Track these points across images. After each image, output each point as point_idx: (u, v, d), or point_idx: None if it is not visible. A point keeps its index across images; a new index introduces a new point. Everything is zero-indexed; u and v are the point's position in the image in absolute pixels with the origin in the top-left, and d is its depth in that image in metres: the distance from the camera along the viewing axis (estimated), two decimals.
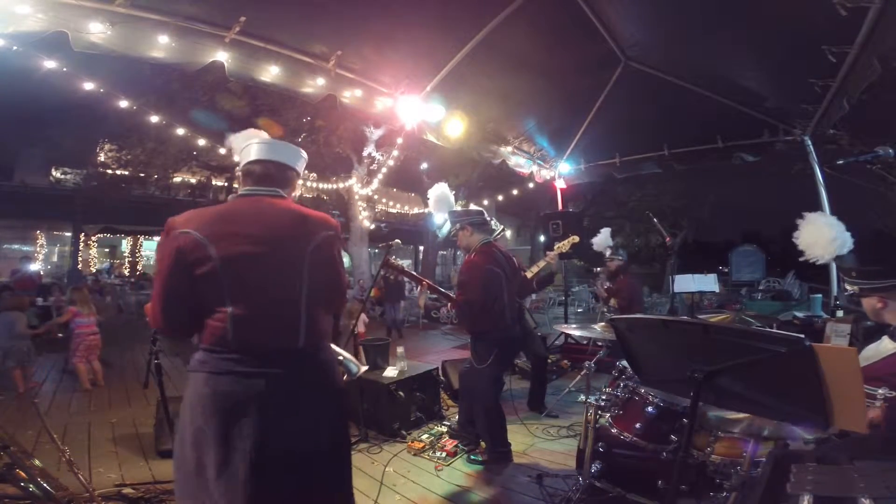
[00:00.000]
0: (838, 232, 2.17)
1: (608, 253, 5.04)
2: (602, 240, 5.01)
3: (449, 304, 3.26)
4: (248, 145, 1.61)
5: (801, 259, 2.31)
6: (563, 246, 4.27)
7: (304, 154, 1.72)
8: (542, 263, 4.20)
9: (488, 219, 3.39)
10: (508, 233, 24.03)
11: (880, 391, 1.57)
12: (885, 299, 1.76)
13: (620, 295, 4.89)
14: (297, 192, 1.72)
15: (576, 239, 4.39)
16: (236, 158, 1.68)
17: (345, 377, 1.73)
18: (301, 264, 1.48)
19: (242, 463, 1.31)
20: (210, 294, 1.39)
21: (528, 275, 4.05)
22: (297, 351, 1.45)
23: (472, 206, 5.03)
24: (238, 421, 1.33)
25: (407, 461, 3.21)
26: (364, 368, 1.82)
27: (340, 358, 1.75)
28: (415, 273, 3.63)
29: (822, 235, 2.20)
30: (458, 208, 3.67)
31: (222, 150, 7.42)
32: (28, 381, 4.86)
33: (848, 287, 1.94)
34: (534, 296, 4.39)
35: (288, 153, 1.65)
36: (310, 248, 1.50)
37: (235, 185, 1.64)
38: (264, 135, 1.74)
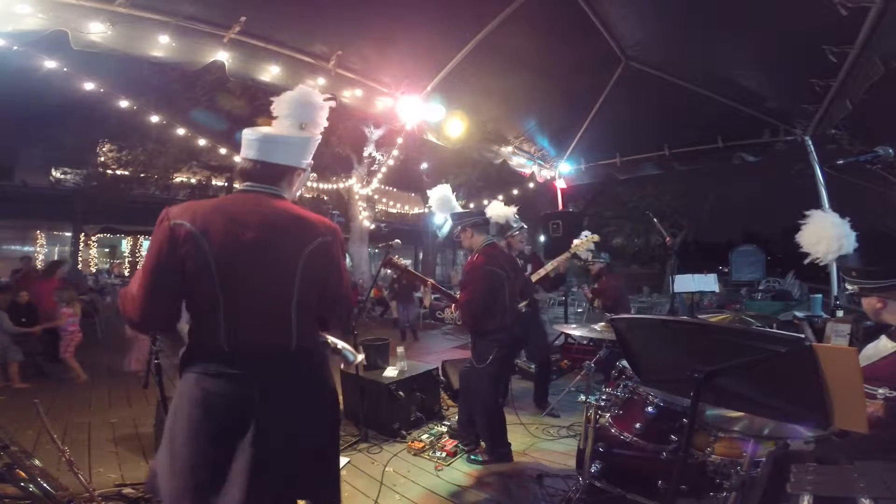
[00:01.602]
0: (842, 231, 2.12)
1: (590, 257, 5.07)
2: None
3: (453, 306, 3.26)
4: (248, 138, 1.53)
5: (805, 262, 2.27)
6: (583, 244, 4.27)
7: (313, 143, 1.63)
8: (560, 259, 4.24)
9: (489, 217, 3.41)
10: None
11: (880, 391, 1.57)
12: (884, 299, 1.76)
13: (605, 295, 5.01)
14: (298, 191, 1.66)
15: (596, 238, 4.40)
16: (280, 116, 1.62)
17: (342, 365, 1.74)
18: (295, 266, 1.44)
19: (237, 464, 1.30)
20: (201, 290, 1.36)
21: (543, 272, 4.10)
22: (288, 353, 1.44)
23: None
24: (231, 422, 1.33)
25: (407, 461, 3.21)
26: (361, 357, 1.83)
27: (338, 347, 1.74)
28: (417, 273, 3.64)
29: (825, 234, 2.15)
30: (460, 209, 3.67)
31: (222, 150, 7.42)
32: (12, 380, 4.93)
33: (848, 286, 1.93)
34: (536, 296, 4.40)
35: (288, 153, 1.55)
36: (306, 251, 1.46)
37: (236, 185, 1.59)
38: (267, 129, 1.60)
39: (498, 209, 4.11)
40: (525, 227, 4.12)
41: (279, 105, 1.63)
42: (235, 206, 1.45)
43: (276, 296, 1.43)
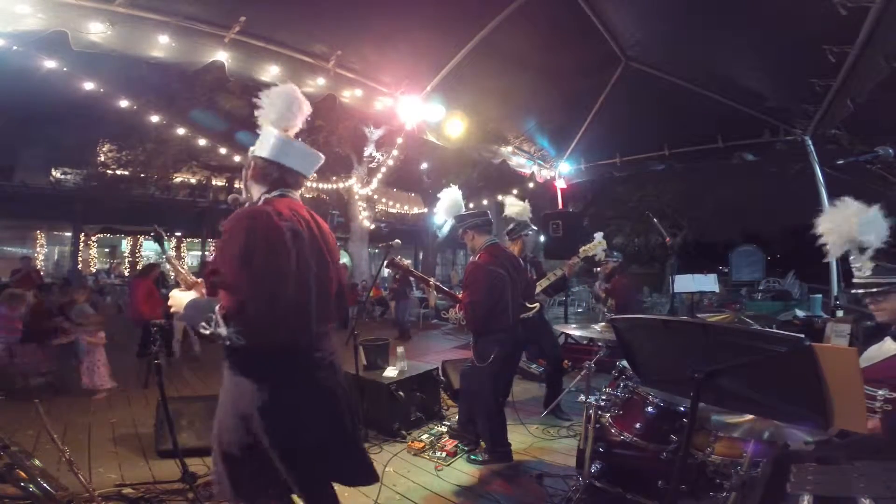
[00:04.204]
0: (864, 220, 1.82)
1: (602, 256, 5.07)
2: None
3: (457, 306, 3.25)
4: (291, 147, 1.64)
5: (821, 244, 1.96)
6: (590, 249, 4.31)
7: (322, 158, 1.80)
8: (570, 264, 4.27)
9: (489, 219, 3.40)
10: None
11: (880, 392, 1.57)
12: None
13: (617, 294, 4.98)
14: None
15: (603, 243, 4.43)
16: (266, 119, 1.64)
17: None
18: (336, 267, 1.73)
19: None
20: (300, 288, 1.48)
21: (553, 278, 4.17)
22: (330, 338, 1.71)
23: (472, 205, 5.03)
24: (331, 400, 1.61)
25: (407, 461, 3.21)
26: None
27: None
28: (419, 273, 3.63)
29: (846, 222, 1.86)
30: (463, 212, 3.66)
31: (222, 150, 7.42)
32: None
33: (872, 290, 1.79)
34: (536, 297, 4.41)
35: (314, 166, 1.75)
36: (337, 250, 1.76)
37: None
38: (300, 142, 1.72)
39: (515, 205, 4.09)
40: (535, 229, 4.11)
41: (268, 101, 1.65)
42: (298, 210, 1.60)
43: (329, 293, 1.68)
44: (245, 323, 1.34)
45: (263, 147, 1.59)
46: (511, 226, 4.05)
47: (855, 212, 1.86)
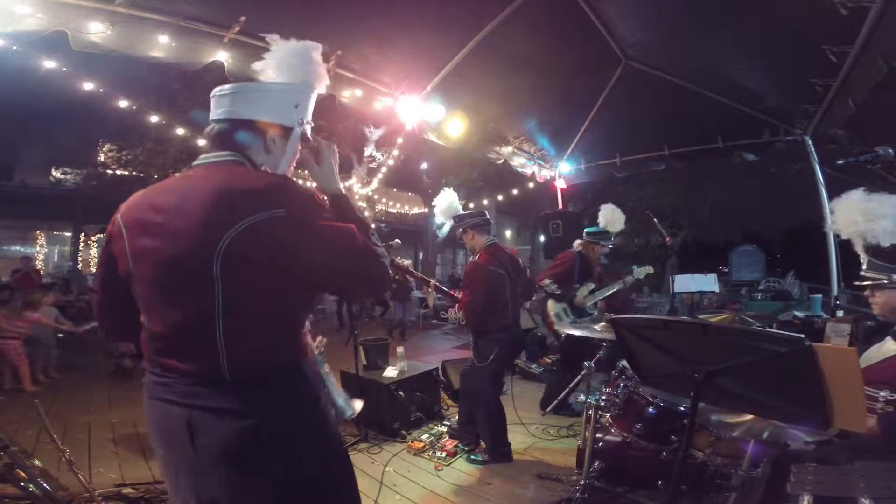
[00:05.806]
0: (867, 211, 1.79)
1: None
2: None
3: (457, 306, 3.26)
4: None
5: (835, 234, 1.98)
6: (640, 273, 4.59)
7: (293, 91, 1.24)
8: (629, 280, 4.56)
9: (489, 219, 3.41)
10: (508, 233, 23.96)
11: (882, 394, 1.57)
12: None
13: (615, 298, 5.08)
14: (288, 156, 1.28)
15: (650, 269, 4.69)
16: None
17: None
18: (210, 263, 0.99)
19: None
20: (136, 297, 1.11)
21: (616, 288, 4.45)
22: (222, 383, 1.02)
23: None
24: (173, 455, 1.07)
25: (407, 461, 3.21)
26: (359, 406, 1.37)
27: (330, 391, 1.29)
28: (418, 273, 3.64)
29: (859, 212, 1.81)
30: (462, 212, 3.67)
31: None
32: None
33: (882, 277, 1.76)
34: (535, 296, 4.44)
35: (243, 99, 1.16)
36: (224, 241, 0.98)
37: None
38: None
39: (612, 214, 4.40)
40: (613, 244, 4.47)
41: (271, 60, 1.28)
42: (165, 188, 1.13)
43: (192, 307, 1.03)
44: None
45: None
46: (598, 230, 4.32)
47: (863, 202, 1.84)
